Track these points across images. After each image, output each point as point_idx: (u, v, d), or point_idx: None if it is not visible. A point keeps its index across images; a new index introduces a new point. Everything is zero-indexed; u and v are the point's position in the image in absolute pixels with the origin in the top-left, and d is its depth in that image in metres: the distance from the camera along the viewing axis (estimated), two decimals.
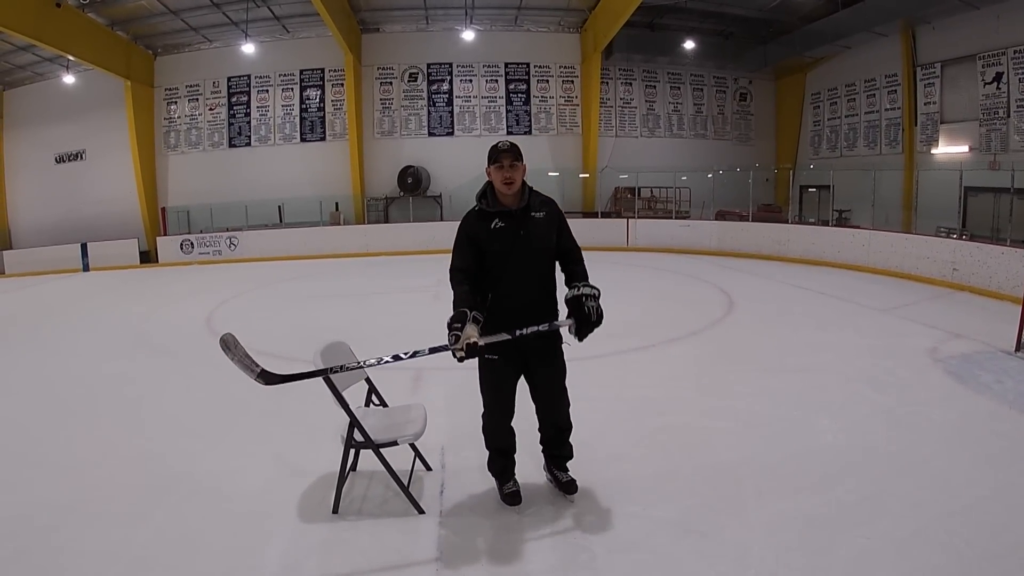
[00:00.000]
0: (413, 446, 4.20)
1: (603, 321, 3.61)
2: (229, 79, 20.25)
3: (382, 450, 3.79)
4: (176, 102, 20.39)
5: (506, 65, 20.41)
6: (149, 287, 14.71)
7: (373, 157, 20.15)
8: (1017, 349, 6.84)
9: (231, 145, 20.40)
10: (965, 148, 15.26)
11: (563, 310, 3.71)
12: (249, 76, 20.19)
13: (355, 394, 3.97)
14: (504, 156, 3.53)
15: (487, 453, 3.96)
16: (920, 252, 11.78)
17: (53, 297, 14.03)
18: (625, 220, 18.39)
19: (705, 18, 19.11)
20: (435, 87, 20.37)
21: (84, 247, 18.81)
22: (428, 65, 20.27)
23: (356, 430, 3.73)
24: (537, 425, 3.97)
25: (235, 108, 20.31)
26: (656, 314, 9.58)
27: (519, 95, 20.51)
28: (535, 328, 3.50)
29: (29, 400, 6.47)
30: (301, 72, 20.17)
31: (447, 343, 3.40)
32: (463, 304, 3.42)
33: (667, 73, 21.33)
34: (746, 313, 9.49)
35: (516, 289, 3.58)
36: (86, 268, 18.66)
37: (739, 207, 17.66)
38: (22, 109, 20.63)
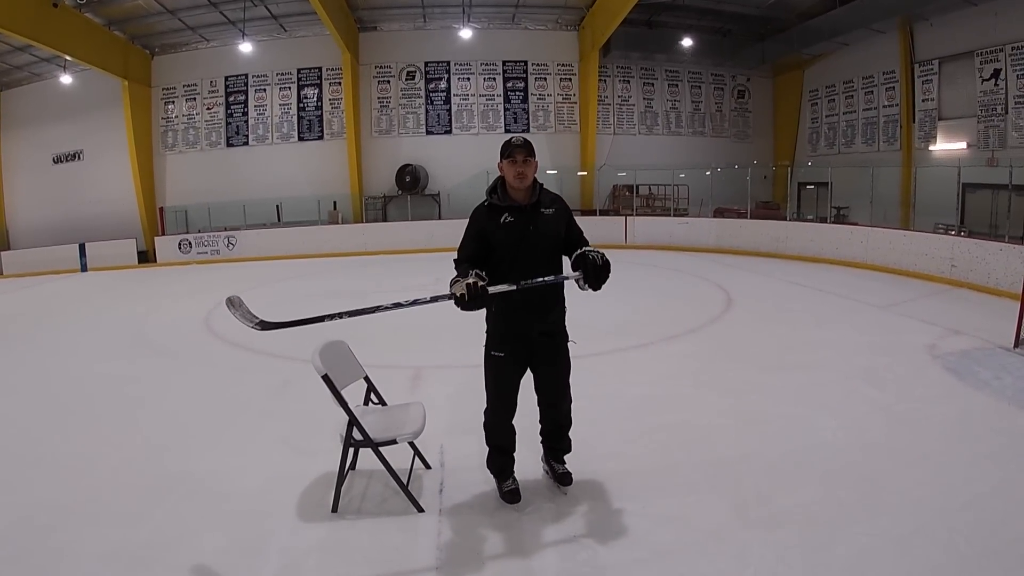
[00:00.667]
0: (412, 444, 4.19)
1: (610, 269, 3.55)
2: (226, 78, 20.21)
3: (381, 449, 3.79)
4: (174, 102, 20.35)
5: (504, 63, 20.39)
6: (147, 287, 14.69)
7: (371, 156, 20.13)
8: (1016, 345, 6.84)
9: (229, 144, 20.37)
10: (963, 145, 15.27)
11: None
12: (246, 75, 20.15)
13: (354, 393, 3.97)
14: (518, 151, 3.56)
15: (487, 450, 3.96)
16: (918, 249, 11.78)
17: (51, 297, 14.01)
18: (623, 218, 18.37)
19: (703, 15, 19.13)
20: (433, 85, 20.34)
21: (82, 247, 18.78)
22: (426, 63, 20.25)
23: (355, 429, 3.73)
24: (537, 419, 3.99)
25: (232, 107, 20.28)
26: (655, 312, 9.58)
27: (517, 93, 20.49)
28: (541, 280, 3.50)
29: (28, 400, 6.46)
30: (299, 71, 20.13)
31: (450, 293, 3.41)
32: (466, 268, 3.47)
33: (665, 71, 21.31)
34: (745, 310, 9.49)
35: (520, 279, 3.56)
36: (84, 268, 18.64)
37: (737, 204, 17.66)
38: (19, 109, 20.60)
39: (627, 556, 3.33)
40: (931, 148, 16.27)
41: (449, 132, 20.42)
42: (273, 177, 19.95)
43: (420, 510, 3.82)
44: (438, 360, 7.14)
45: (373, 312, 3.58)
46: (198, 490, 4.20)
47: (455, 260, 3.61)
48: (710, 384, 6.10)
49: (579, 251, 3.64)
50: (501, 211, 3.62)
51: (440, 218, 19.67)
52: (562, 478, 4.03)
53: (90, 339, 9.34)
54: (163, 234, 19.68)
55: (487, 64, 20.33)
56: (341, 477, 3.88)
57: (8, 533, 3.73)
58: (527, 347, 3.72)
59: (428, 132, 20.40)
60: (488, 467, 3.98)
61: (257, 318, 3.62)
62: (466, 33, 19.42)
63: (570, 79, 20.61)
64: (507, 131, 20.19)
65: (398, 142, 20.30)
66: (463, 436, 4.77)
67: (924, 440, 4.66)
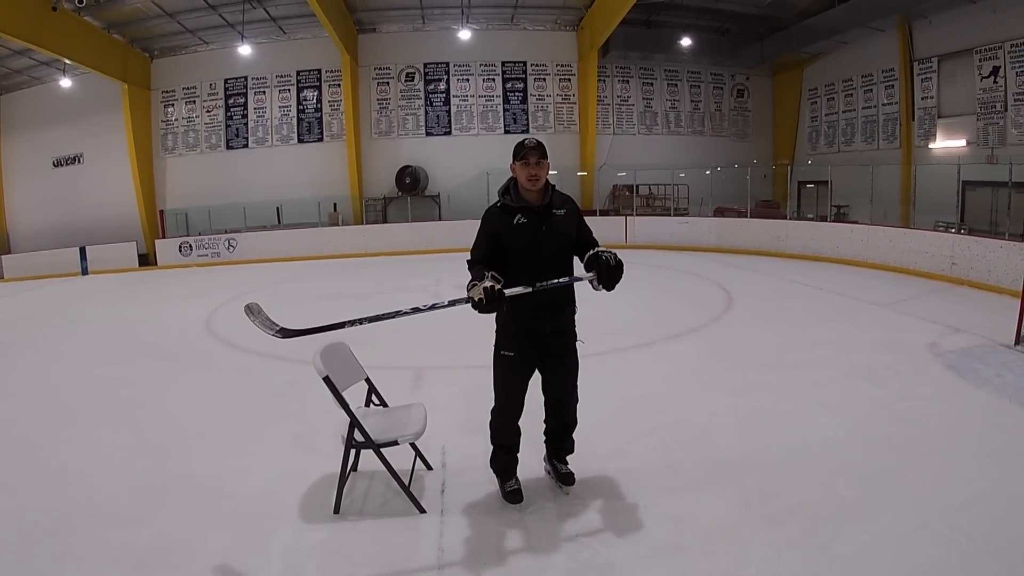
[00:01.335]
0: (414, 445, 4.20)
1: (623, 270, 3.57)
2: (226, 81, 20.22)
3: (383, 450, 3.79)
4: (173, 104, 20.36)
5: (503, 64, 20.39)
6: (148, 290, 14.70)
7: (371, 157, 20.14)
8: (1016, 343, 6.84)
9: (228, 147, 20.37)
10: (963, 142, 15.26)
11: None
12: (246, 78, 20.16)
13: (355, 394, 3.97)
14: (531, 153, 3.56)
15: (490, 449, 3.97)
16: (919, 247, 11.79)
17: (52, 301, 14.02)
18: (623, 218, 18.39)
19: (701, 15, 19.13)
20: (432, 87, 20.34)
21: (83, 251, 18.77)
22: (425, 65, 20.25)
23: (356, 430, 3.73)
24: (540, 419, 4.01)
25: (232, 110, 20.29)
26: (656, 311, 9.58)
27: (516, 94, 20.50)
28: (556, 281, 3.51)
29: (30, 404, 6.46)
30: (298, 73, 20.13)
31: (467, 297, 3.38)
32: (481, 270, 3.45)
33: (664, 70, 21.31)
34: (745, 309, 9.49)
35: (535, 281, 3.55)
36: (85, 271, 18.63)
37: (737, 203, 17.66)
38: (19, 113, 20.62)
39: (629, 555, 3.33)
40: (931, 146, 16.26)
41: (449, 133, 20.42)
42: (273, 179, 19.95)
43: (422, 511, 3.82)
44: (439, 361, 7.14)
45: (393, 317, 3.57)
46: (200, 492, 4.20)
47: (468, 261, 3.61)
48: (711, 383, 6.11)
49: (592, 251, 3.66)
50: (514, 212, 3.62)
51: (440, 219, 19.67)
52: (565, 478, 4.05)
53: (91, 342, 9.35)
54: (164, 237, 19.69)
55: (486, 65, 20.34)
56: (343, 478, 3.88)
57: (11, 537, 3.73)
58: (537, 347, 3.73)
59: (428, 133, 20.41)
60: (491, 466, 3.98)
61: (277, 325, 3.60)
62: (465, 34, 19.41)
63: (569, 79, 20.61)
64: (507, 132, 20.23)
65: (398, 143, 20.31)
66: (465, 437, 4.79)
67: (925, 438, 4.66)
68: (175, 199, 20.28)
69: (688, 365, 6.78)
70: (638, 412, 5.36)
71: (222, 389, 6.67)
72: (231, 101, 20.28)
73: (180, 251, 18.93)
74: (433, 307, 3.57)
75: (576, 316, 3.86)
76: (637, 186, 19.37)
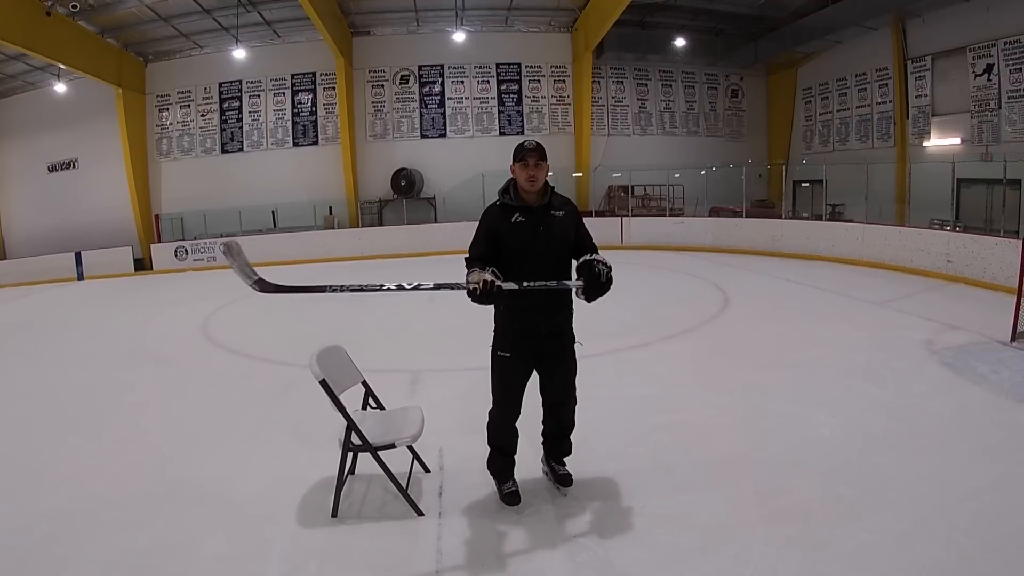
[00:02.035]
0: (411, 448, 4.19)
1: (612, 286, 3.58)
2: (220, 84, 20.19)
3: (380, 453, 3.79)
4: (168, 108, 20.33)
5: (497, 66, 20.40)
6: (144, 295, 14.68)
7: (366, 160, 20.13)
8: (1012, 339, 6.87)
9: (224, 151, 20.34)
10: (957, 140, 15.30)
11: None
12: (240, 81, 20.14)
13: (352, 398, 3.97)
14: (530, 155, 3.58)
15: (487, 451, 3.96)
16: (914, 245, 11.81)
17: (48, 307, 13.98)
18: (619, 218, 18.40)
19: (695, 15, 19.16)
20: (427, 89, 20.35)
21: (78, 256, 18.72)
22: (419, 67, 20.25)
23: (354, 433, 3.72)
24: (538, 420, 4.00)
25: (227, 114, 20.26)
26: (652, 312, 9.58)
27: (511, 95, 20.51)
28: (543, 283, 3.51)
29: (27, 410, 6.44)
30: (292, 76, 20.12)
31: (463, 286, 3.39)
32: (481, 265, 3.46)
33: (658, 71, 21.33)
34: (742, 309, 9.50)
35: (528, 280, 3.55)
36: (80, 277, 18.59)
37: (733, 203, 17.69)
38: (13, 119, 20.54)
39: (627, 556, 3.33)
40: (925, 144, 16.30)
41: (444, 135, 20.43)
42: (268, 183, 19.92)
43: (420, 513, 3.82)
44: (436, 364, 7.14)
45: (376, 290, 3.56)
46: (199, 497, 4.20)
47: (467, 259, 3.61)
48: (708, 383, 6.11)
49: (587, 258, 3.65)
50: (512, 211, 3.64)
51: (436, 222, 19.66)
52: (563, 479, 4.05)
53: (88, 348, 9.32)
54: (159, 241, 19.65)
55: (481, 67, 20.34)
56: (340, 482, 3.87)
57: (10, 542, 3.72)
58: (534, 348, 3.73)
59: (423, 136, 20.41)
60: (488, 468, 3.98)
61: (256, 275, 3.59)
62: (459, 36, 19.41)
63: (564, 81, 20.63)
64: (502, 134, 20.24)
65: (393, 146, 20.31)
66: (462, 439, 4.78)
67: (922, 435, 4.67)
68: (170, 203, 20.24)
69: (685, 365, 6.79)
70: (635, 413, 5.36)
71: (219, 393, 6.66)
72: (226, 105, 20.25)
73: (176, 256, 18.89)
74: (418, 287, 3.54)
75: (573, 318, 3.86)
76: (632, 187, 19.40)
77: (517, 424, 3.86)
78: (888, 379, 5.96)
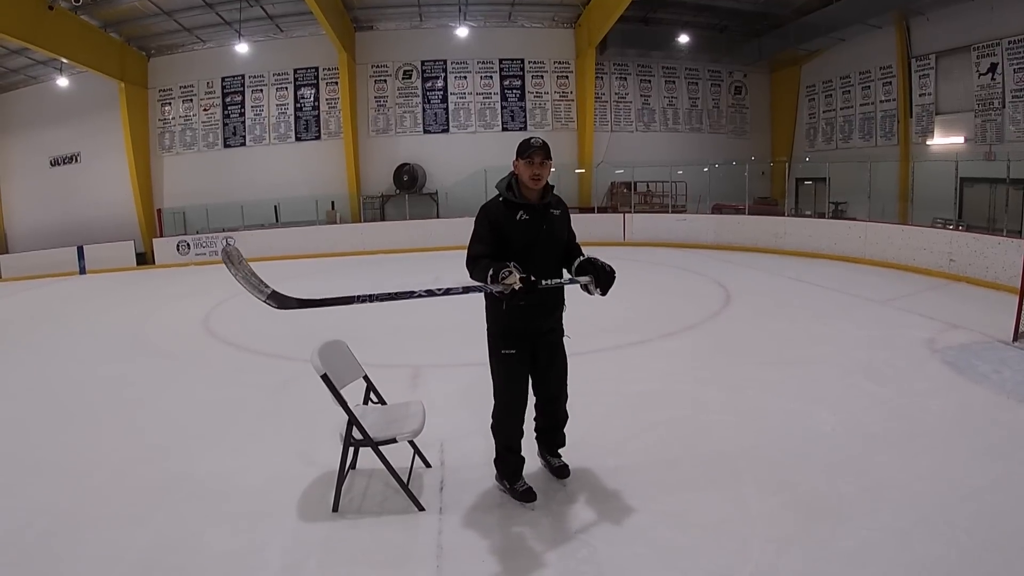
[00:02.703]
0: (412, 443, 4.19)
1: (616, 276, 3.61)
2: (223, 79, 20.18)
3: (381, 448, 3.79)
4: (170, 103, 20.32)
5: (500, 61, 20.38)
6: (146, 289, 14.68)
7: (368, 155, 20.13)
8: (1014, 339, 6.85)
9: (226, 145, 20.35)
10: (960, 139, 15.27)
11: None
12: (243, 76, 20.12)
13: (353, 392, 3.97)
14: (537, 153, 3.57)
15: (494, 454, 3.97)
16: (917, 243, 11.79)
17: (50, 300, 13.99)
18: (622, 215, 18.37)
19: (699, 12, 19.11)
20: (430, 84, 20.33)
21: (80, 250, 18.73)
22: (422, 62, 20.23)
23: (355, 428, 3.73)
24: (532, 416, 4.00)
25: (229, 108, 20.25)
26: (654, 308, 9.58)
27: (514, 91, 20.48)
28: (557, 281, 3.59)
29: (28, 404, 6.45)
30: (295, 71, 20.11)
31: (490, 287, 3.36)
32: (502, 262, 3.39)
33: (662, 67, 21.29)
34: (743, 306, 9.49)
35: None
36: (83, 271, 18.60)
37: (735, 200, 17.65)
38: (16, 113, 20.55)
39: (628, 552, 3.33)
40: (928, 143, 16.27)
41: (446, 131, 20.41)
42: (271, 178, 19.93)
43: (421, 508, 3.82)
44: (437, 359, 7.14)
45: (407, 298, 3.53)
46: (199, 491, 4.20)
47: (472, 258, 3.57)
48: (709, 380, 6.11)
49: (585, 258, 3.71)
50: (517, 208, 3.63)
51: (438, 217, 19.66)
52: (560, 471, 4.09)
53: (89, 342, 9.33)
54: (161, 236, 19.66)
55: (484, 62, 20.32)
56: (341, 476, 3.88)
57: (9, 537, 3.72)
58: (534, 344, 3.76)
59: (425, 131, 20.39)
60: (500, 472, 3.97)
61: (268, 288, 3.43)
62: (462, 31, 19.40)
63: (567, 77, 20.60)
64: (504, 129, 20.23)
65: (395, 141, 20.30)
66: (463, 434, 4.79)
67: (923, 434, 4.67)
68: (172, 198, 20.25)
69: (686, 362, 6.78)
70: (636, 409, 5.36)
71: (221, 388, 6.66)
72: (228, 99, 20.24)
73: (178, 250, 18.89)
74: (448, 292, 3.53)
75: (569, 313, 3.88)
76: (635, 183, 19.37)
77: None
78: (890, 377, 5.95)
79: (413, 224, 19.18)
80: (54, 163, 20.62)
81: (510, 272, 3.27)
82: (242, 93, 20.20)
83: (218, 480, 4.35)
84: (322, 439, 4.60)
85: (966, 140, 15.14)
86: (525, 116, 20.52)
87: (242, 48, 18.70)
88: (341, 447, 3.81)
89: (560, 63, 20.54)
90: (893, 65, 17.18)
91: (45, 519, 3.92)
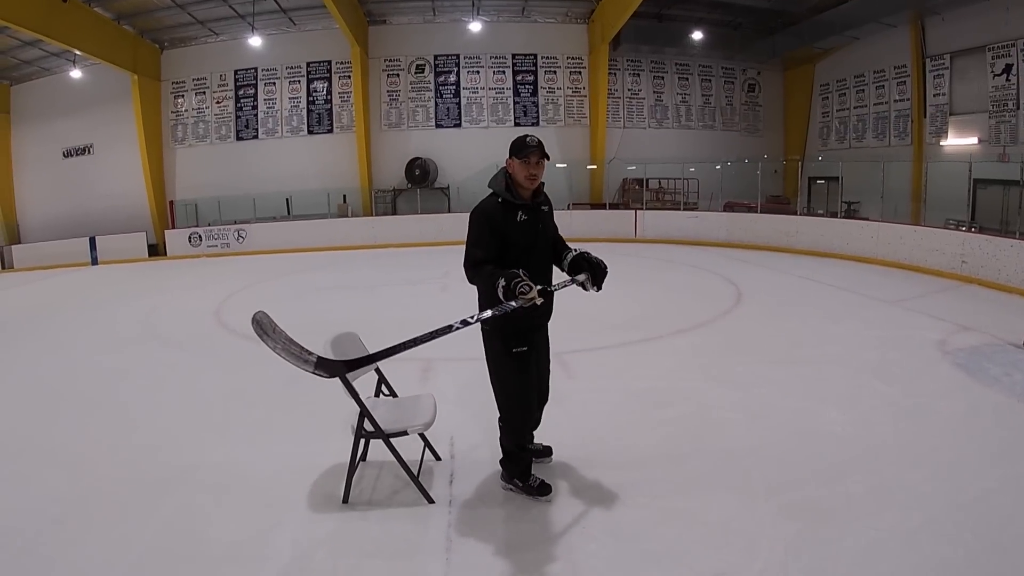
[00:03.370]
0: (423, 436, 4.22)
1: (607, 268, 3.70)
2: (236, 72, 20.23)
3: (392, 440, 3.81)
4: (183, 95, 20.39)
5: (513, 56, 20.34)
6: (157, 280, 14.76)
7: (380, 149, 20.15)
8: None
9: (238, 138, 20.40)
10: (974, 140, 15.16)
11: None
12: (256, 69, 20.17)
13: (365, 384, 3.99)
14: (533, 153, 3.56)
15: (501, 456, 3.98)
16: (929, 244, 11.74)
17: (62, 291, 14.10)
18: (633, 212, 18.35)
19: (713, 8, 19.01)
20: (442, 79, 20.31)
21: (92, 241, 18.85)
22: (435, 57, 20.22)
23: (366, 420, 3.75)
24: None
25: (242, 101, 20.31)
26: (664, 306, 9.57)
27: (526, 86, 20.45)
28: (563, 284, 3.65)
29: (39, 394, 6.51)
30: (308, 64, 20.13)
31: (508, 305, 3.31)
32: (511, 271, 3.35)
33: (675, 64, 21.18)
34: (754, 305, 9.47)
35: (535, 281, 3.53)
36: (95, 262, 18.71)
37: (748, 199, 17.59)
38: (29, 104, 20.63)
39: (636, 548, 3.35)
40: (942, 143, 16.15)
41: (459, 125, 20.39)
42: (283, 170, 19.97)
43: (430, 501, 3.85)
44: (448, 353, 7.12)
45: (446, 334, 3.47)
46: (209, 482, 4.24)
47: (476, 263, 3.52)
48: (719, 378, 6.11)
49: (575, 253, 3.76)
50: (515, 209, 3.60)
51: (450, 211, 19.66)
52: (544, 452, 4.24)
53: (100, 332, 9.40)
54: (173, 227, 19.74)
55: (496, 57, 20.29)
56: (352, 468, 3.91)
57: (19, 524, 3.77)
58: (534, 337, 3.79)
59: (438, 125, 20.39)
60: (510, 472, 3.95)
61: (313, 356, 3.38)
62: (475, 26, 19.38)
63: (580, 72, 20.55)
64: (516, 124, 20.19)
65: (407, 135, 20.31)
66: (473, 428, 4.81)
67: (932, 435, 4.66)
68: (185, 190, 20.32)
69: (696, 360, 6.77)
70: (645, 406, 5.36)
71: (231, 379, 6.70)
72: (241, 92, 20.29)
73: (190, 242, 18.99)
74: (479, 319, 3.46)
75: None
76: (647, 180, 19.33)
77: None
78: (899, 378, 5.94)
79: (424, 218, 19.20)
80: (67, 154, 20.72)
81: (529, 287, 3.23)
82: (255, 86, 20.24)
83: (227, 471, 4.39)
84: (332, 431, 4.62)
85: (980, 141, 15.03)
86: (538, 111, 20.48)
87: (255, 41, 18.73)
88: (352, 439, 3.84)
89: (573, 59, 20.49)
90: (907, 64, 17.05)
91: (54, 507, 3.96)
